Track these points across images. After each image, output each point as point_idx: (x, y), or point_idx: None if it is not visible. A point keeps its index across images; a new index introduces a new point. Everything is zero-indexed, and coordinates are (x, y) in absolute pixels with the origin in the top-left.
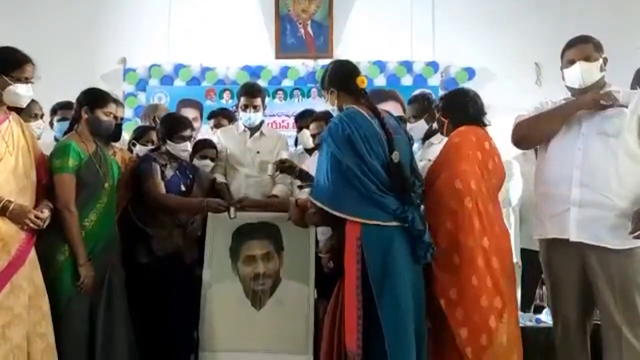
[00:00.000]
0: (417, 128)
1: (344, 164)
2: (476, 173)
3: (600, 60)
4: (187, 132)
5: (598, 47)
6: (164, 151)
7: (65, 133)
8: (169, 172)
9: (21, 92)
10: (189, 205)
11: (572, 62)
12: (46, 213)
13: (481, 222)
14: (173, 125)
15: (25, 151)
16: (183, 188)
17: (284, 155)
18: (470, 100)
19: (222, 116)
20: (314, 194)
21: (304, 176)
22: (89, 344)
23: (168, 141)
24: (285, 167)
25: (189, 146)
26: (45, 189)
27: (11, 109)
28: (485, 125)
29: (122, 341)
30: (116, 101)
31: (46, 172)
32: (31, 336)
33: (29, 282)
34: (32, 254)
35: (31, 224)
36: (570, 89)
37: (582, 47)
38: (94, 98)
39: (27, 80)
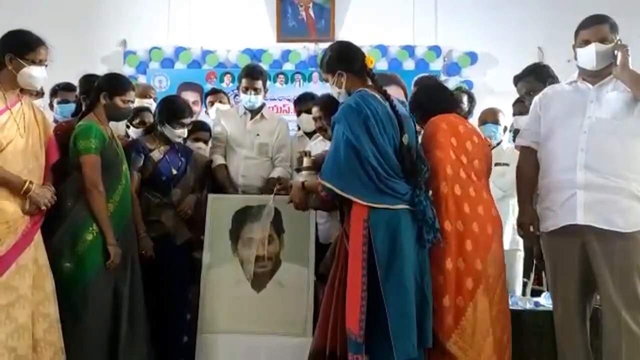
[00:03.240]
0: None
1: (358, 147)
2: (451, 159)
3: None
4: (187, 120)
5: (614, 29)
6: (157, 134)
7: (75, 115)
8: (157, 156)
9: (35, 75)
10: (136, 223)
11: (587, 43)
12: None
13: (456, 206)
14: (174, 110)
15: (36, 134)
16: (174, 171)
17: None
18: (430, 94)
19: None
20: (323, 175)
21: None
22: (112, 319)
23: (166, 124)
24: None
25: (185, 133)
26: (52, 171)
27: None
28: (457, 111)
29: (142, 317)
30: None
31: (56, 153)
32: (34, 316)
33: (34, 262)
34: (38, 235)
35: (47, 205)
36: (582, 69)
37: (598, 28)
38: (114, 85)
39: (41, 63)
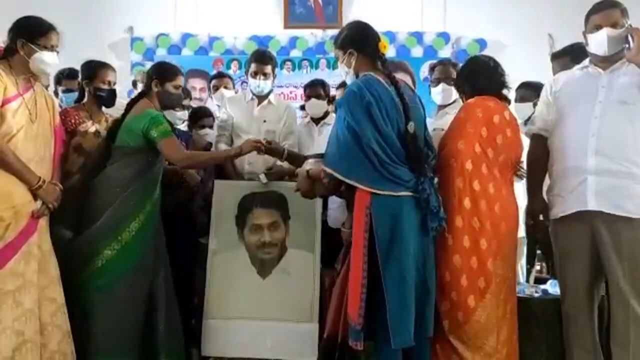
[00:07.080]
0: (454, 91)
1: (360, 133)
2: (473, 153)
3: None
4: (187, 101)
5: (625, 13)
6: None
7: (78, 101)
8: None
9: (47, 60)
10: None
11: (598, 28)
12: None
13: (473, 202)
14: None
15: (47, 120)
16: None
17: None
18: (484, 71)
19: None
20: (326, 161)
21: (292, 158)
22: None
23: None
24: (271, 149)
25: (186, 114)
26: (61, 160)
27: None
28: (503, 96)
29: (174, 296)
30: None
31: (62, 143)
32: (40, 300)
33: (38, 247)
34: (43, 220)
35: (55, 205)
36: (593, 55)
37: (609, 13)
38: (164, 72)
39: (52, 48)
